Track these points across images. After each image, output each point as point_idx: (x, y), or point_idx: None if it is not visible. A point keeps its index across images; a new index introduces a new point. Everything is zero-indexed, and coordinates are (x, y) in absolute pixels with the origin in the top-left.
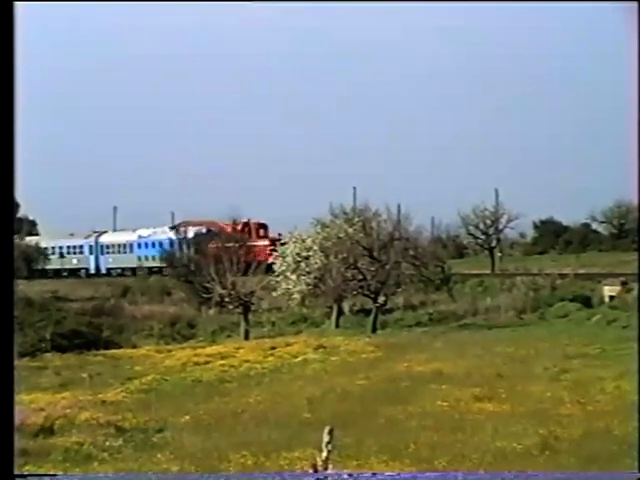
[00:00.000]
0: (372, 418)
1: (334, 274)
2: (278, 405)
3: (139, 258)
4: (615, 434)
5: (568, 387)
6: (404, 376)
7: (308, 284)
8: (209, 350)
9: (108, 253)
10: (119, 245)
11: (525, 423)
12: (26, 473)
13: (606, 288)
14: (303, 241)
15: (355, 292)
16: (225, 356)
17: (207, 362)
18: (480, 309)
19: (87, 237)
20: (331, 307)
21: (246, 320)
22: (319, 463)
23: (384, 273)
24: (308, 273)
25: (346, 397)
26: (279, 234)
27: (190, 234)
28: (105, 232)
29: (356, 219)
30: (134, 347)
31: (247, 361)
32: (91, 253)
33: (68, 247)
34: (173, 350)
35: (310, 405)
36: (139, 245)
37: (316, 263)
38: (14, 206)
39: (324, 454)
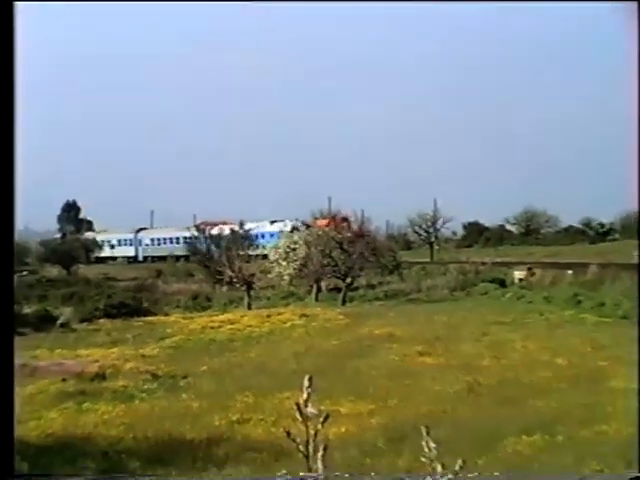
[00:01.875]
0: (342, 369)
1: (314, 261)
2: (272, 359)
3: None
4: (523, 382)
5: (487, 346)
6: (366, 337)
7: (295, 269)
8: (221, 317)
9: None
10: None
11: (456, 373)
12: (26, 473)
13: (516, 273)
14: (291, 237)
15: (330, 275)
16: (233, 322)
17: (220, 326)
18: (422, 288)
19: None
20: (312, 286)
21: (249, 295)
22: (301, 402)
23: (351, 261)
24: (295, 261)
25: (323, 353)
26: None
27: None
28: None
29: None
30: (166, 315)
31: (249, 326)
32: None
33: (185, 238)
34: (195, 317)
35: (296, 359)
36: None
37: (301, 253)
38: (14, 202)
39: (305, 396)
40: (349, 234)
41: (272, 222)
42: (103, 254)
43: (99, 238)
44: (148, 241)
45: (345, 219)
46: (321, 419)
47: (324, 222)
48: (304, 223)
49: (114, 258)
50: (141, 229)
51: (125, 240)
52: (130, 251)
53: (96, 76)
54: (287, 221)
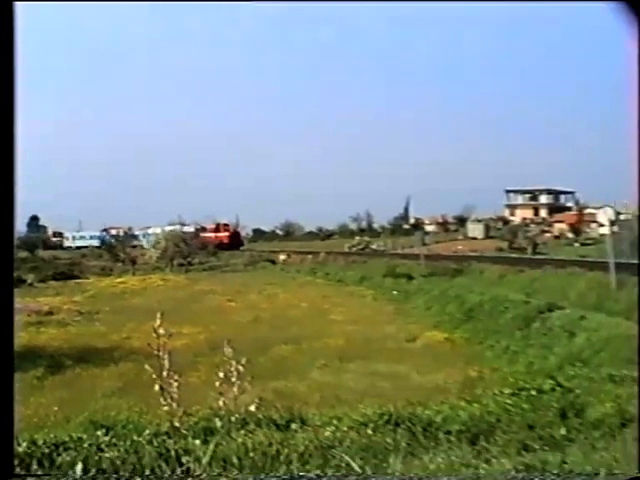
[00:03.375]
0: (184, 308)
1: (170, 249)
2: (146, 303)
3: None
4: (284, 316)
5: (264, 296)
6: (198, 292)
7: (159, 254)
8: (118, 280)
9: None
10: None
11: (247, 311)
12: (26, 473)
13: (281, 256)
14: (157, 235)
15: (179, 256)
16: (124, 283)
17: (117, 285)
18: (230, 264)
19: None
20: (168, 263)
21: (133, 268)
22: (156, 326)
23: (191, 250)
24: (159, 249)
25: (174, 299)
26: (234, 229)
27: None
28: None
29: (180, 226)
30: (87, 278)
31: (133, 285)
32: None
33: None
34: (103, 280)
35: (159, 303)
36: None
37: (162, 245)
38: (15, 205)
39: (158, 322)
40: (227, 233)
41: (182, 225)
42: (79, 244)
43: (78, 234)
44: (109, 236)
45: (226, 224)
46: (168, 336)
47: (213, 226)
48: (202, 227)
49: (87, 247)
50: (105, 229)
51: (94, 235)
52: (97, 242)
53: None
54: (192, 225)
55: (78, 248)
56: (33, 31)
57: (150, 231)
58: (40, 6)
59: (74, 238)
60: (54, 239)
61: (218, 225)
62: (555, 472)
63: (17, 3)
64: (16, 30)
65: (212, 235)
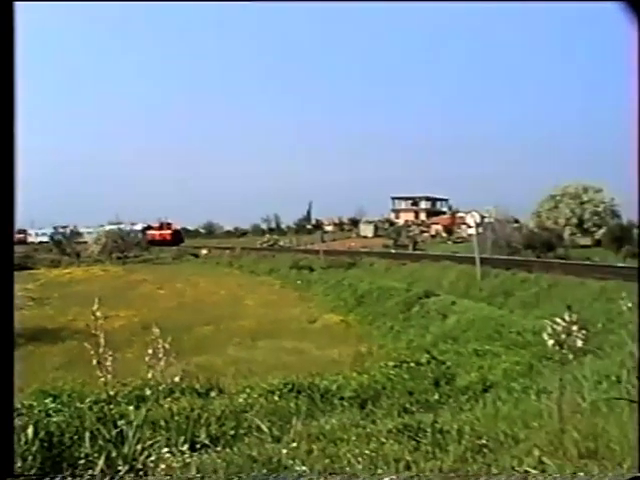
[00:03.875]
0: (122, 295)
1: (109, 244)
2: (89, 290)
3: None
4: (206, 301)
5: (189, 284)
6: (134, 281)
7: (100, 248)
8: (65, 271)
9: None
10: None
11: (174, 297)
12: (26, 473)
13: (203, 251)
14: (98, 233)
15: (117, 250)
16: (71, 273)
17: (64, 275)
18: (160, 257)
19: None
20: (108, 256)
21: (78, 260)
22: (94, 310)
23: (127, 245)
24: (100, 244)
25: (113, 287)
26: (175, 227)
27: (136, 227)
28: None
29: (116, 226)
30: (38, 269)
31: (78, 275)
32: None
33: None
34: (52, 271)
35: (101, 290)
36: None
37: (103, 240)
38: (14, 202)
39: (95, 307)
40: (170, 231)
41: (132, 223)
42: (40, 239)
43: (40, 231)
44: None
45: (169, 223)
46: (104, 318)
47: (157, 224)
48: (149, 225)
49: (47, 242)
50: (55, 227)
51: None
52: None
53: None
54: (139, 224)
55: (40, 243)
56: (33, 31)
57: (100, 229)
58: (40, 6)
59: (37, 234)
60: (18, 236)
61: (162, 224)
62: (555, 473)
63: (17, 3)
64: (16, 30)
65: (157, 233)
